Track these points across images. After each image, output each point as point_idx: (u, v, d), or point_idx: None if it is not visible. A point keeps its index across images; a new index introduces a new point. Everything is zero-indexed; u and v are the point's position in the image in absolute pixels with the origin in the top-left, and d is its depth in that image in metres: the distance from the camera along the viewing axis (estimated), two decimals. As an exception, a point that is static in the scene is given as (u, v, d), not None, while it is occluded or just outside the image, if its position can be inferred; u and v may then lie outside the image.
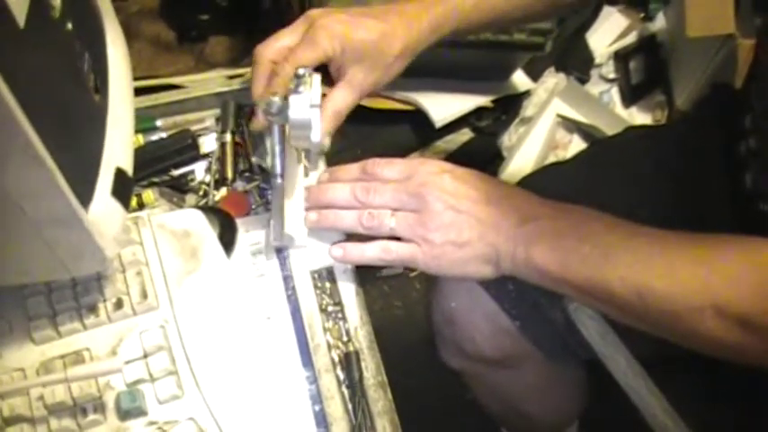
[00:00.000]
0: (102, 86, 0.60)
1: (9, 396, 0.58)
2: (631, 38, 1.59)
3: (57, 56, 0.51)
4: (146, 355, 0.62)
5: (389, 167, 0.73)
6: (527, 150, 1.50)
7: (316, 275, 0.72)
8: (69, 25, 0.52)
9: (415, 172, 0.71)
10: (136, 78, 0.82)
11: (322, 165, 0.79)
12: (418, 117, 1.38)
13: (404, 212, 0.69)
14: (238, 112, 0.81)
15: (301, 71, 0.65)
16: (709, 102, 0.92)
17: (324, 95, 0.70)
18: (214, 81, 0.82)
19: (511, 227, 0.66)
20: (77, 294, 0.64)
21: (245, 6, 1.66)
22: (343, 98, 0.73)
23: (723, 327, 0.57)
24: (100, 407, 0.59)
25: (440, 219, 0.68)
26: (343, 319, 0.70)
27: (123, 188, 0.59)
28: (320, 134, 0.67)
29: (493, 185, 0.70)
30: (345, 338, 0.69)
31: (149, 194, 0.75)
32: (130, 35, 1.70)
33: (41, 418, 0.58)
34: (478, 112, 1.44)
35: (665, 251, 0.61)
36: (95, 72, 0.58)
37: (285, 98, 0.66)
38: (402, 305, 1.49)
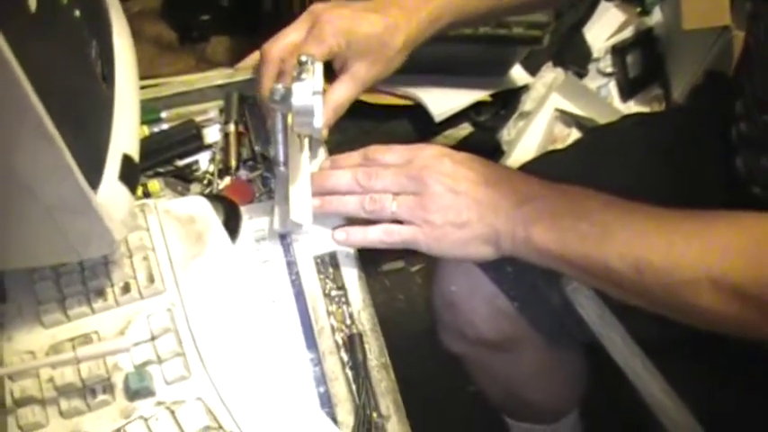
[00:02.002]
0: (108, 74, 0.61)
1: (19, 378, 0.60)
2: (628, 32, 1.61)
3: (66, 41, 0.52)
4: (153, 338, 0.63)
5: (390, 153, 0.74)
6: (526, 144, 1.51)
7: (319, 260, 0.74)
8: (77, 12, 0.54)
9: (416, 156, 0.72)
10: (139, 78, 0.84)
11: (324, 153, 0.80)
12: (418, 112, 1.40)
13: (405, 196, 0.71)
14: (241, 102, 0.82)
15: (304, 58, 0.66)
16: (703, 89, 0.94)
17: (324, 91, 0.72)
18: (216, 75, 0.83)
19: (510, 207, 0.68)
20: (85, 279, 0.65)
21: (247, 7, 1.67)
22: (345, 91, 0.74)
23: (719, 299, 0.58)
24: (109, 387, 0.60)
25: (440, 200, 0.69)
26: (347, 302, 0.72)
27: (130, 173, 0.61)
28: (322, 120, 0.69)
29: (492, 168, 0.72)
30: (349, 321, 0.71)
31: (155, 184, 0.77)
32: (132, 35, 1.72)
33: (51, 399, 0.60)
34: (477, 106, 1.46)
35: (662, 226, 0.62)
36: (102, 60, 0.59)
37: (288, 86, 0.67)
38: (404, 298, 1.50)
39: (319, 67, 0.67)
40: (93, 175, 0.55)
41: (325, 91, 0.71)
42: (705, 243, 0.61)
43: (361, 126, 1.37)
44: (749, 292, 0.57)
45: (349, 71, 0.75)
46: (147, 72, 1.58)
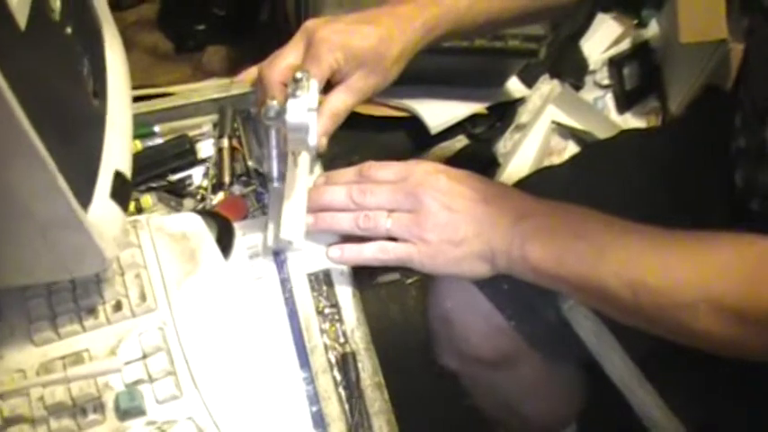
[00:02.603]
0: (100, 91, 0.60)
1: (9, 396, 0.59)
2: (625, 44, 1.61)
3: (57, 59, 0.52)
4: (144, 356, 0.62)
5: (385, 169, 0.73)
6: (522, 157, 1.51)
7: (312, 278, 0.73)
8: (69, 29, 0.53)
9: (411, 173, 0.72)
10: (133, 88, 0.83)
11: (318, 169, 0.80)
12: (413, 124, 1.39)
13: (400, 213, 0.70)
14: (235, 117, 0.82)
15: (299, 75, 0.65)
16: (701, 103, 0.94)
17: (320, 103, 0.72)
18: (211, 87, 0.82)
19: (506, 225, 0.67)
20: (77, 297, 0.64)
21: (243, 16, 1.67)
22: (342, 101, 0.74)
23: (716, 321, 0.58)
24: (99, 407, 0.60)
25: (435, 218, 0.68)
26: (340, 320, 0.71)
27: (122, 191, 0.60)
28: (317, 138, 0.68)
29: (488, 185, 0.71)
30: (342, 340, 0.70)
31: (147, 199, 0.76)
32: (128, 45, 1.70)
33: (41, 418, 0.59)
34: (473, 118, 1.45)
35: (659, 247, 0.62)
36: (94, 76, 0.59)
37: (283, 103, 0.67)
38: (399, 311, 1.49)
39: (314, 84, 0.67)
40: (84, 194, 0.55)
41: (320, 103, 0.71)
42: (703, 264, 0.60)
43: (356, 138, 1.36)
44: (747, 315, 0.57)
45: (346, 82, 0.74)
46: (143, 81, 1.58)
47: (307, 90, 0.66)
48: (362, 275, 0.76)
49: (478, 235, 0.68)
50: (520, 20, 0.86)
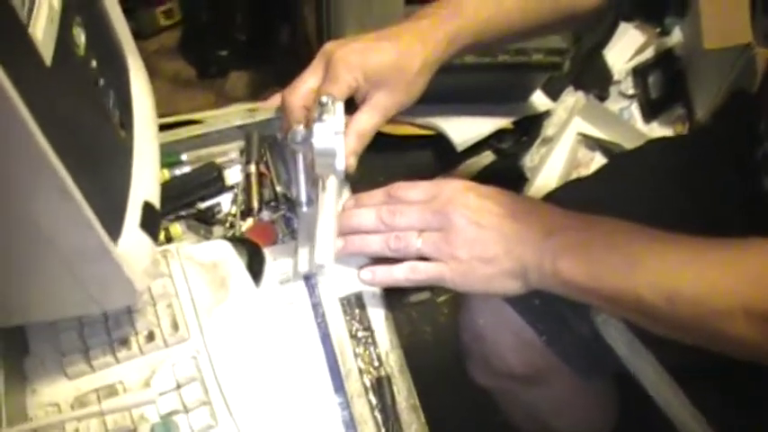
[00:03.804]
0: (126, 122, 0.60)
1: (45, 431, 0.59)
2: (649, 53, 1.59)
3: (82, 93, 0.52)
4: (179, 386, 0.62)
5: (414, 189, 0.73)
6: (550, 170, 1.50)
7: (345, 302, 0.72)
8: (94, 63, 0.53)
9: (440, 192, 0.71)
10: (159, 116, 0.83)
11: (347, 192, 0.79)
12: (439, 142, 1.39)
13: (430, 232, 0.69)
14: (262, 142, 0.82)
15: (324, 99, 0.65)
16: (726, 109, 0.92)
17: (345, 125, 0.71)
18: (236, 114, 0.82)
19: (537, 240, 0.66)
20: (109, 328, 0.64)
21: (264, 41, 1.68)
22: (367, 120, 0.73)
23: (753, 328, 0.56)
24: (135, 439, 0.59)
25: (465, 235, 0.68)
26: (374, 344, 0.70)
27: (151, 221, 0.60)
28: (344, 161, 0.68)
29: (517, 201, 0.70)
30: (377, 363, 0.69)
31: (177, 228, 0.76)
32: (150, 73, 1.72)
33: (78, 453, 0.59)
34: (500, 134, 1.45)
35: (693, 256, 0.61)
36: (120, 108, 0.59)
37: (309, 127, 0.66)
38: (431, 330, 1.48)
39: (340, 107, 0.67)
40: (114, 226, 0.55)
41: (346, 126, 0.71)
42: (737, 271, 0.59)
43: (382, 158, 1.36)
44: None
45: (370, 102, 0.74)
46: (166, 109, 1.60)
47: (333, 113, 0.65)
48: (393, 296, 0.75)
49: (509, 252, 0.67)
50: (540, 31, 0.85)
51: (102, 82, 0.55)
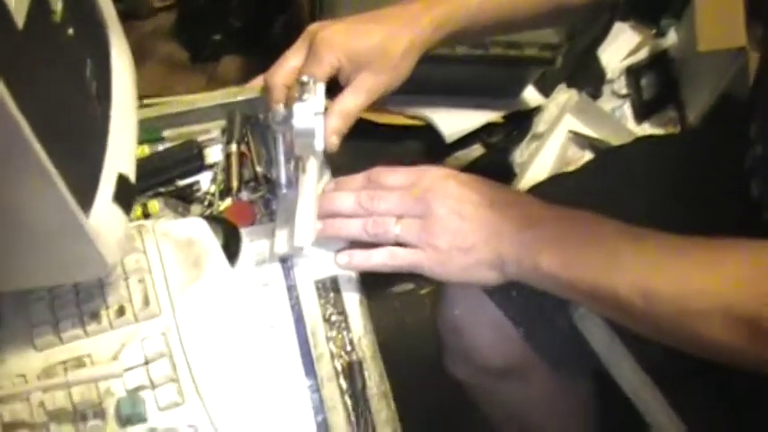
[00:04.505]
0: (104, 93, 0.60)
1: (10, 401, 0.58)
2: (643, 53, 1.59)
3: (57, 60, 0.51)
4: (147, 362, 0.61)
5: (394, 175, 0.73)
6: (539, 166, 1.49)
7: (320, 285, 0.72)
8: (70, 30, 0.53)
9: (420, 178, 0.71)
10: (147, 97, 0.83)
11: (328, 175, 0.79)
12: (428, 133, 1.38)
13: (409, 219, 0.69)
14: (244, 122, 0.81)
15: (305, 79, 0.65)
16: (717, 112, 0.92)
17: (326, 109, 0.71)
18: (220, 93, 0.82)
19: (516, 231, 0.66)
20: (80, 301, 0.64)
21: (258, 26, 1.67)
22: (352, 100, 0.72)
23: (730, 331, 0.56)
24: (100, 413, 0.59)
25: (444, 224, 0.67)
26: (347, 328, 0.70)
27: (125, 194, 0.59)
28: (324, 142, 0.67)
29: (498, 191, 0.70)
30: (349, 348, 0.69)
31: (154, 204, 0.76)
32: (145, 55, 1.73)
33: (42, 423, 0.58)
34: (489, 127, 1.44)
35: (673, 255, 0.60)
36: (98, 79, 0.58)
37: (290, 107, 0.66)
38: (413, 322, 1.48)
39: (321, 88, 0.66)
40: (86, 197, 0.54)
41: (327, 109, 0.70)
42: (717, 273, 0.58)
43: (371, 146, 1.35)
44: (762, 325, 0.55)
45: (354, 83, 0.73)
46: (158, 91, 1.59)
47: (314, 94, 0.65)
48: (376, 285, 0.75)
49: (487, 242, 0.67)
50: (531, 22, 0.84)
51: (79, 51, 0.55)
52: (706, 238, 0.60)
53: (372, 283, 0.74)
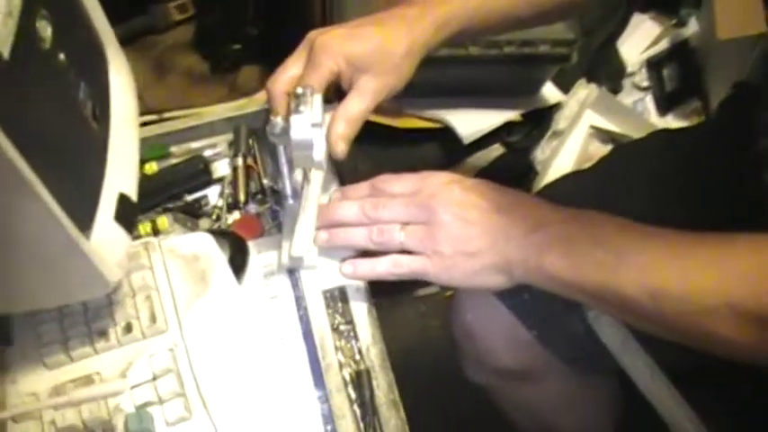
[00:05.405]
0: (102, 114, 0.61)
1: (22, 419, 0.60)
2: (663, 45, 1.56)
3: (47, 86, 0.52)
4: (154, 378, 0.62)
5: (398, 182, 0.72)
6: (561, 164, 1.48)
7: (327, 295, 0.72)
8: (62, 56, 0.53)
9: (424, 185, 0.71)
10: (169, 110, 0.83)
11: (335, 185, 0.79)
12: (446, 135, 1.38)
13: (413, 226, 0.69)
14: (250, 135, 0.82)
15: (300, 90, 0.65)
16: (730, 101, 0.90)
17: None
18: (225, 107, 0.82)
19: (521, 234, 0.65)
20: (88, 320, 0.65)
21: (276, 34, 1.68)
22: (356, 104, 0.72)
23: (737, 326, 0.55)
24: (109, 429, 0.60)
25: (448, 230, 0.67)
26: (355, 337, 0.70)
27: (127, 213, 0.60)
28: (322, 153, 0.67)
29: (502, 194, 0.69)
30: (357, 357, 0.69)
31: (164, 220, 0.76)
32: (165, 68, 1.74)
33: (53, 441, 0.59)
34: (509, 127, 1.42)
35: (678, 252, 0.59)
36: (94, 100, 0.59)
37: (287, 119, 0.66)
38: (439, 324, 1.48)
39: (318, 99, 0.66)
40: (84, 218, 0.55)
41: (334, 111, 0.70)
42: (724, 269, 0.57)
43: (390, 151, 1.35)
44: None
45: (357, 86, 0.73)
46: (180, 103, 1.60)
47: (310, 105, 0.65)
48: (401, 290, 0.75)
49: (493, 246, 0.66)
50: (537, 17, 0.83)
51: (71, 75, 0.55)
52: (713, 234, 0.59)
53: (396, 287, 0.74)
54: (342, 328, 0.71)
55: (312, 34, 0.73)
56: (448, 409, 1.25)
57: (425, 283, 1.50)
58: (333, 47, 0.71)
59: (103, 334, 0.64)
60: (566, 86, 1.49)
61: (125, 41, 1.66)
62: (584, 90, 1.51)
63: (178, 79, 1.71)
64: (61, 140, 0.53)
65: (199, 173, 0.79)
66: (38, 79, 0.50)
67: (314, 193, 0.72)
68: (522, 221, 0.66)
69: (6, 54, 0.45)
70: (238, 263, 0.70)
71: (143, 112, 1.40)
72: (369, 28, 0.72)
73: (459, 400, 1.18)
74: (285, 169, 0.73)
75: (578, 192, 0.85)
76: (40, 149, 0.47)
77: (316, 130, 0.65)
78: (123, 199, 0.60)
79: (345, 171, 0.81)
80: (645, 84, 1.56)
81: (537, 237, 0.65)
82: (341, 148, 0.71)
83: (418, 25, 0.73)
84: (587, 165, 1.41)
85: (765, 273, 0.55)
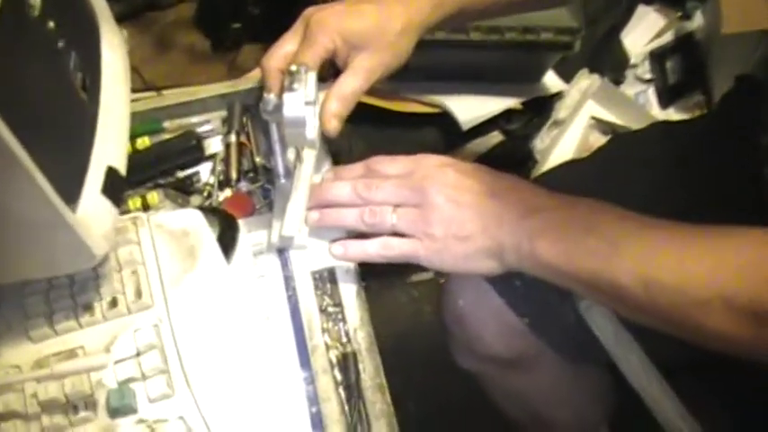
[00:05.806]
0: (92, 86, 0.60)
1: (4, 391, 0.59)
2: (668, 37, 1.55)
3: (36, 53, 0.51)
4: (138, 354, 0.62)
5: (392, 163, 0.72)
6: (560, 153, 1.47)
7: (317, 276, 0.72)
8: (51, 24, 0.53)
9: (418, 167, 0.70)
10: (169, 87, 0.82)
11: (328, 164, 0.78)
12: (446, 120, 1.37)
13: (405, 208, 0.68)
14: (244, 112, 0.81)
15: (294, 68, 0.64)
16: (733, 94, 0.89)
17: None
18: (219, 84, 0.82)
19: (514, 219, 0.65)
20: (74, 293, 0.64)
21: (277, 14, 1.67)
22: (350, 82, 0.71)
23: (730, 319, 0.55)
24: (91, 404, 0.59)
25: (441, 212, 0.66)
26: (343, 320, 0.70)
27: (114, 187, 0.60)
28: (315, 131, 0.67)
29: (497, 178, 0.69)
30: (344, 339, 0.68)
31: (154, 196, 0.76)
32: (166, 45, 1.73)
33: (34, 414, 0.59)
34: (508, 114, 1.42)
35: (674, 242, 0.59)
36: (84, 72, 0.58)
37: (280, 96, 0.65)
38: (432, 311, 1.47)
39: (312, 77, 0.65)
40: (71, 190, 0.54)
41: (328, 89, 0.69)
42: (718, 260, 0.57)
43: (386, 134, 1.34)
44: (762, 313, 0.54)
45: (352, 64, 0.72)
46: (180, 81, 1.59)
47: (304, 83, 0.64)
48: (395, 275, 0.74)
49: (485, 230, 0.66)
50: (534, 3, 0.82)
51: (61, 43, 0.54)
52: (710, 226, 0.59)
53: (389, 270, 0.73)
54: (330, 309, 0.70)
55: (309, 11, 0.72)
56: (438, 396, 1.24)
57: (420, 268, 1.50)
58: (329, 24, 0.70)
59: (89, 308, 0.63)
60: (568, 75, 1.48)
61: (127, 16, 1.65)
62: (587, 80, 1.50)
63: (179, 56, 1.70)
64: (48, 110, 0.52)
65: (191, 149, 0.78)
66: (25, 47, 0.49)
67: (306, 173, 0.72)
68: (516, 206, 0.66)
69: (-8, 19, 0.44)
70: (227, 241, 0.70)
71: (142, 88, 1.39)
72: (365, 5, 0.71)
73: (449, 386, 1.18)
74: (277, 147, 0.72)
75: (575, 180, 0.84)
76: (25, 118, 0.47)
77: (309, 109, 0.64)
78: (111, 172, 0.60)
79: (340, 152, 0.81)
80: (647, 76, 1.55)
81: (530, 222, 0.64)
82: (333, 126, 0.70)
83: (415, 3, 0.73)
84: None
85: (761, 268, 0.55)
